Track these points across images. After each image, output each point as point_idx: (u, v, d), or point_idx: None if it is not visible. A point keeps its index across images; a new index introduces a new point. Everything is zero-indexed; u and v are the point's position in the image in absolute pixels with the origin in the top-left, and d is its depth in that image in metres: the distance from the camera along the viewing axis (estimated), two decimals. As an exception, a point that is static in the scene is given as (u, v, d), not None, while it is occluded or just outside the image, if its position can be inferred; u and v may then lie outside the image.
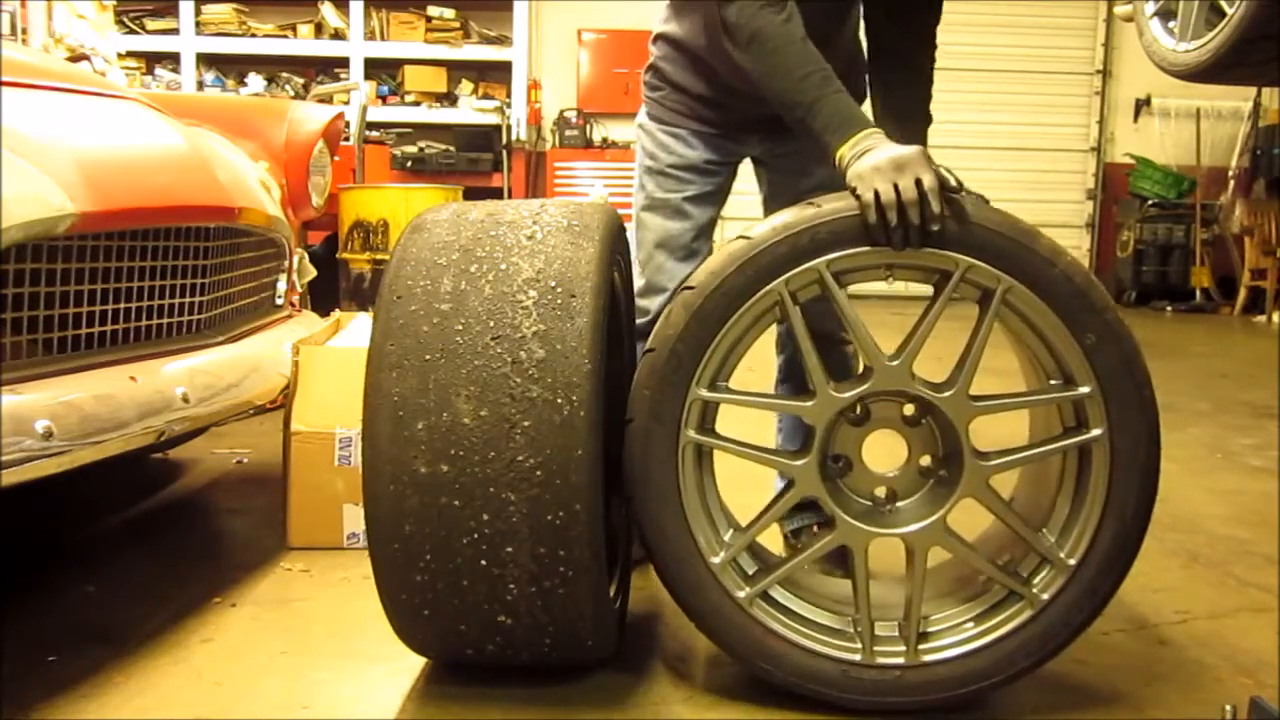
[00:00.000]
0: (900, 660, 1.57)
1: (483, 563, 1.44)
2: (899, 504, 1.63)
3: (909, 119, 1.91)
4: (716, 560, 1.57)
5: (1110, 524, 1.53)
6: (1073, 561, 1.54)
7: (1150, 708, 1.64)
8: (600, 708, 1.58)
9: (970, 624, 1.60)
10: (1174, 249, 8.51)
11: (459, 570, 1.45)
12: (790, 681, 1.58)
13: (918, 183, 1.49)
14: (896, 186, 1.49)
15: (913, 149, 1.54)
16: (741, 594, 1.57)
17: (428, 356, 1.45)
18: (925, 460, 1.63)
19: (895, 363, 1.55)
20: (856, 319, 1.55)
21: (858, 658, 1.57)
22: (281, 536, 2.28)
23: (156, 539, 2.44)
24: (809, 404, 1.58)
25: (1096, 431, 1.53)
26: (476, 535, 1.43)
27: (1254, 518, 2.70)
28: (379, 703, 1.60)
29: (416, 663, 1.69)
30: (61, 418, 1.60)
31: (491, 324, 1.45)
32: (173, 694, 1.61)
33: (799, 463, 1.58)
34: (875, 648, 1.57)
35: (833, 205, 1.54)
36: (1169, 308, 8.31)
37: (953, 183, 1.52)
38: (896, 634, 1.59)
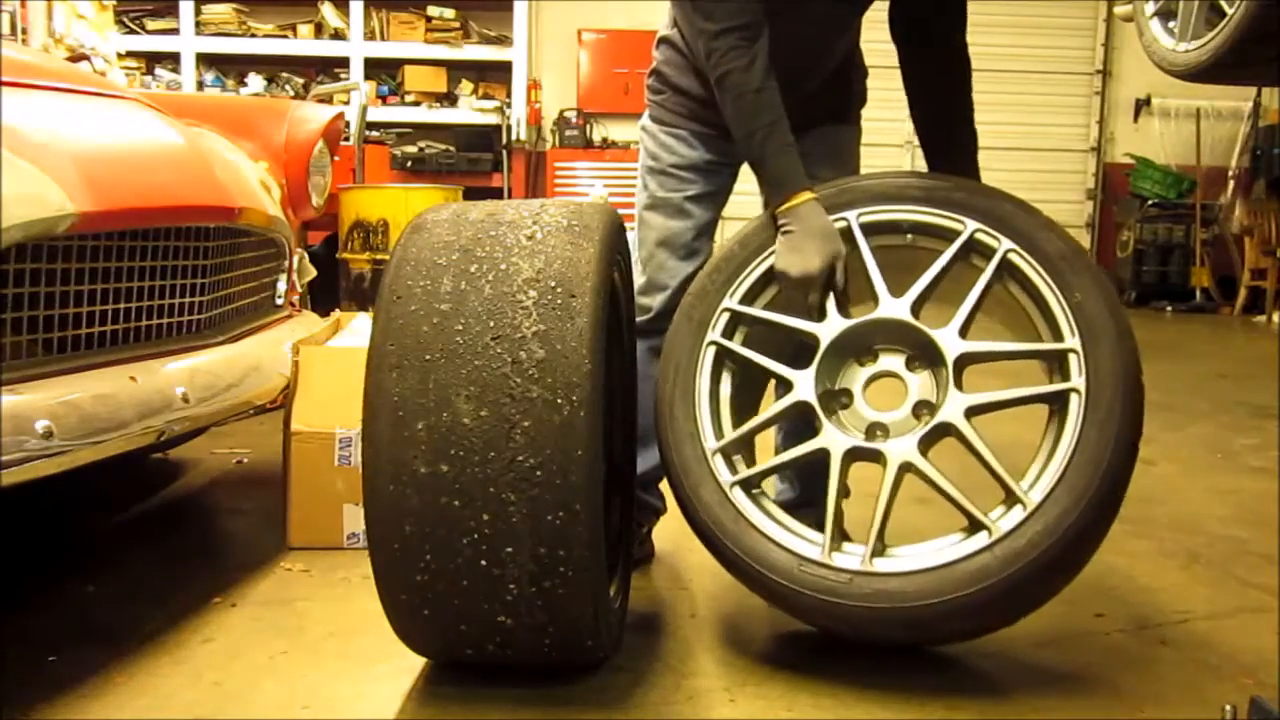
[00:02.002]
0: (854, 565, 1.62)
1: (483, 563, 1.44)
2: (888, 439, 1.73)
3: (952, 158, 1.96)
4: (710, 446, 1.74)
5: (1081, 470, 1.57)
6: (1036, 497, 1.57)
7: (1150, 707, 1.64)
8: (600, 708, 1.58)
9: (930, 546, 1.64)
10: (1174, 249, 8.51)
11: (459, 570, 1.45)
12: (749, 567, 1.67)
13: (810, 304, 1.77)
14: (810, 297, 1.78)
15: (818, 261, 1.75)
16: (726, 479, 1.72)
17: (428, 356, 1.45)
18: (917, 400, 1.74)
19: (899, 299, 1.73)
20: (873, 262, 1.78)
21: (814, 554, 1.64)
22: (281, 536, 2.28)
23: (156, 539, 2.44)
24: (820, 326, 1.77)
25: (1076, 381, 1.60)
26: (476, 535, 1.43)
27: (1254, 518, 2.70)
28: (379, 703, 1.60)
29: (416, 663, 1.68)
30: (61, 418, 1.60)
31: (491, 324, 1.45)
32: (173, 694, 1.61)
33: (800, 372, 1.75)
34: (833, 550, 1.64)
35: (864, 180, 1.85)
36: (1169, 308, 8.31)
37: (840, 284, 1.77)
38: (860, 548, 1.65)
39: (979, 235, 1.72)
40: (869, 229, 1.80)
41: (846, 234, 1.79)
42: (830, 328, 1.76)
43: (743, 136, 1.83)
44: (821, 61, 2.02)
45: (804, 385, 1.74)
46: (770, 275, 1.82)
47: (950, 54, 1.96)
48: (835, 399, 1.78)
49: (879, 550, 1.63)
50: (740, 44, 1.79)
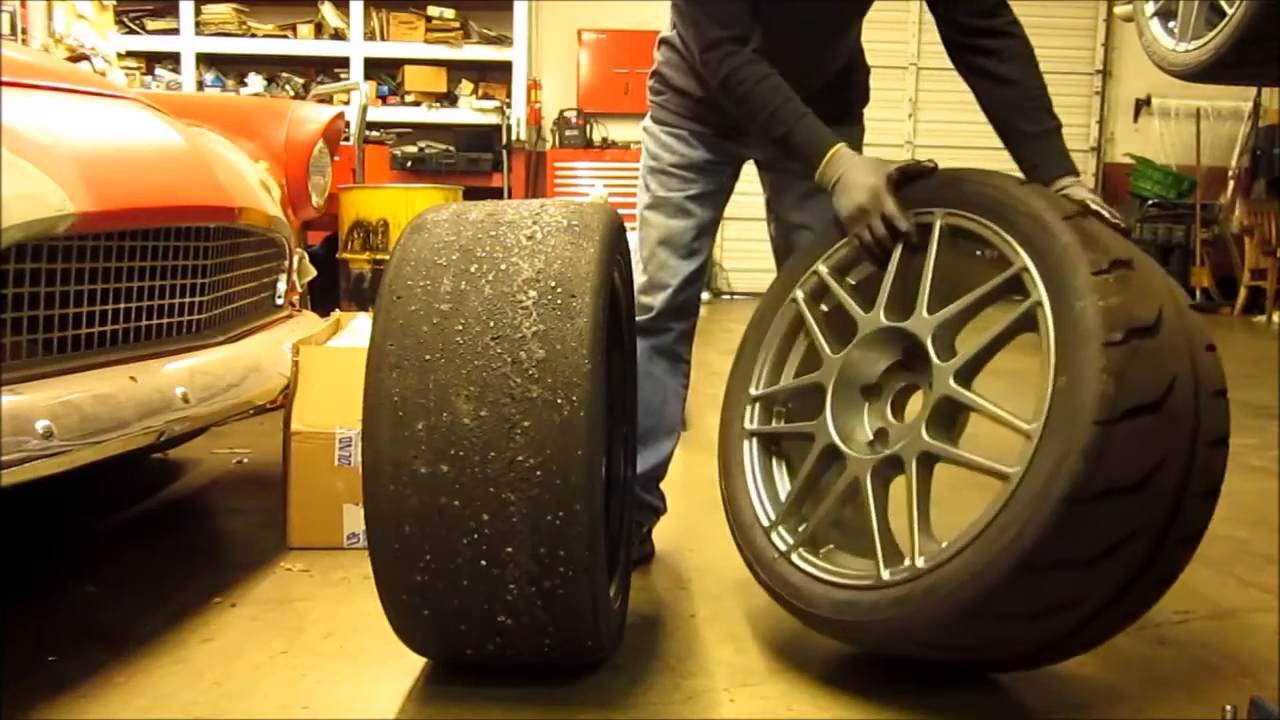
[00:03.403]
0: (908, 572, 1.54)
1: (483, 563, 1.44)
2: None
3: (1029, 145, 1.87)
4: (766, 523, 1.79)
5: (1065, 388, 1.45)
6: (1035, 426, 1.46)
7: (1151, 707, 1.64)
8: (600, 708, 1.58)
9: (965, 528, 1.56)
10: (1174, 249, 8.51)
11: (459, 570, 1.45)
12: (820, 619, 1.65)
13: (884, 218, 1.69)
14: (871, 227, 1.71)
15: (870, 182, 1.70)
16: (784, 548, 1.74)
17: (428, 356, 1.45)
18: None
19: (870, 313, 1.73)
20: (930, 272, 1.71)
21: (870, 580, 1.58)
22: (281, 536, 2.28)
23: (156, 539, 2.44)
24: (819, 372, 1.78)
25: (1037, 297, 1.51)
26: (476, 535, 1.43)
27: (1254, 518, 2.70)
28: (379, 703, 1.60)
29: (416, 663, 1.68)
30: (61, 418, 1.60)
31: (491, 324, 1.45)
32: (173, 694, 1.61)
33: (814, 422, 1.76)
34: (887, 568, 1.58)
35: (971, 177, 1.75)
36: (1169, 308, 8.30)
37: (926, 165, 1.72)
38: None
39: (1023, 275, 1.54)
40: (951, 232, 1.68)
41: (926, 231, 1.69)
42: (830, 367, 1.75)
43: (761, 125, 1.83)
44: (824, 61, 2.02)
45: (821, 432, 1.73)
46: (785, 354, 1.88)
47: (989, 34, 1.87)
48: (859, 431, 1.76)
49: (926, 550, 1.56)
50: (733, 49, 1.82)
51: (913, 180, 1.70)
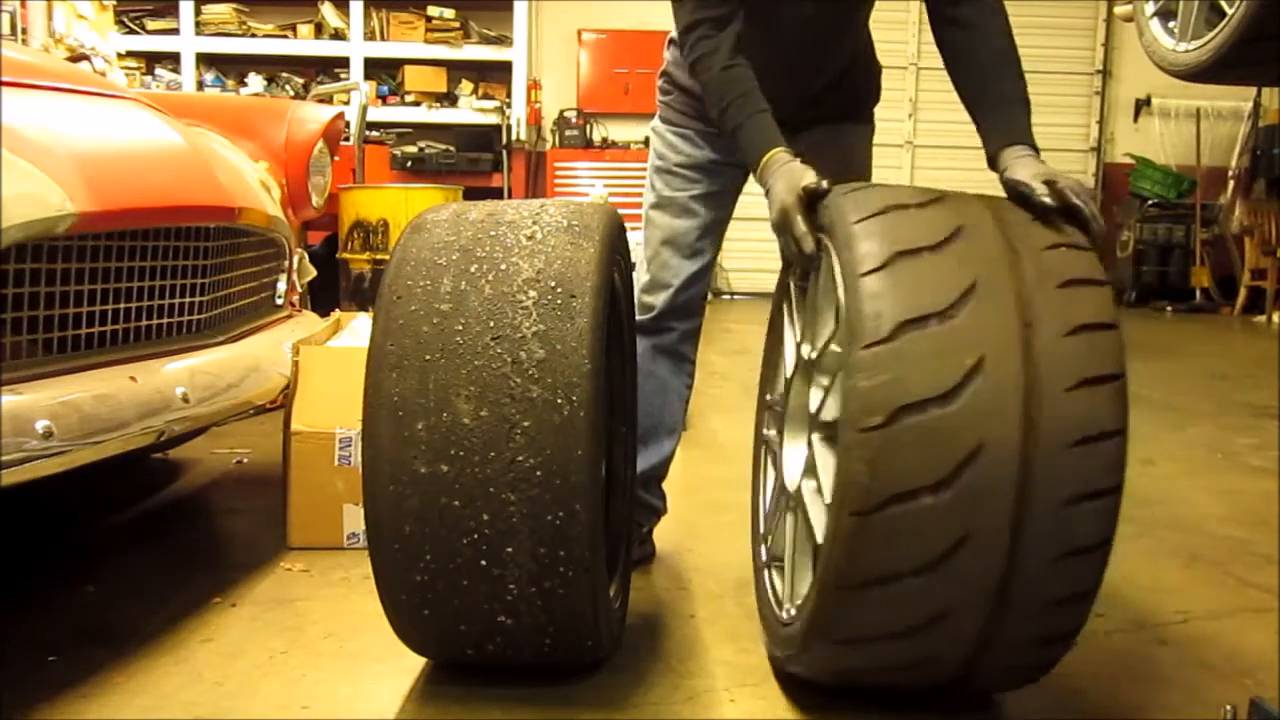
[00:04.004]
0: (791, 615, 1.59)
1: (483, 563, 1.44)
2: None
3: (988, 113, 1.76)
4: (761, 530, 1.83)
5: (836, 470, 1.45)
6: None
7: (1151, 708, 1.64)
8: (600, 708, 1.58)
9: None
10: (1174, 249, 8.51)
11: (459, 570, 1.45)
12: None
13: (796, 237, 1.58)
14: (787, 245, 1.62)
15: (786, 200, 1.59)
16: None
17: (428, 356, 1.45)
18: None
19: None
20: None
21: (786, 617, 1.61)
22: (281, 536, 2.28)
23: (156, 539, 2.44)
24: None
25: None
26: (476, 535, 1.43)
27: (1254, 518, 2.70)
28: (379, 703, 1.60)
29: (416, 663, 1.68)
30: (61, 418, 1.60)
31: (491, 324, 1.45)
32: (173, 694, 1.61)
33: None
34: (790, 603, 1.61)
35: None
36: (1169, 308, 8.31)
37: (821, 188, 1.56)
38: None
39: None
40: None
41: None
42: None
43: (717, 115, 1.81)
44: (823, 62, 2.02)
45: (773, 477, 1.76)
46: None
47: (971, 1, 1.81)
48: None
49: None
50: (708, 33, 1.81)
51: (817, 199, 1.57)
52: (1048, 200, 1.47)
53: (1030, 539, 1.30)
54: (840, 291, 1.40)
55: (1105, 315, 1.36)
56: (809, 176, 1.59)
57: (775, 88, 1.79)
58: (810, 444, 1.56)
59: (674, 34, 2.11)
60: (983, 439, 1.28)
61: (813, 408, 1.56)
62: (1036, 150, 1.65)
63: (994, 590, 1.32)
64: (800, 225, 1.57)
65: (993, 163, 1.66)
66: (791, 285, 1.79)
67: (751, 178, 2.17)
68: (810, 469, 1.56)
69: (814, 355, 1.58)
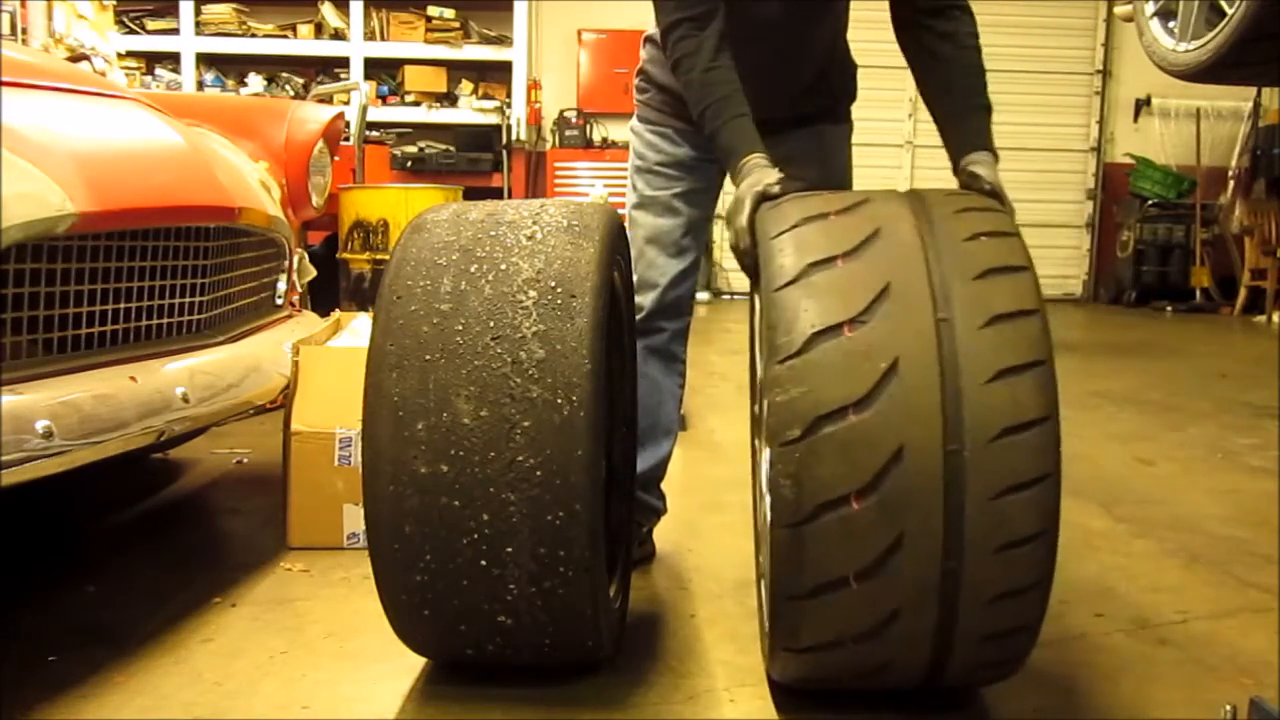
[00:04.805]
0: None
1: (483, 563, 1.44)
2: None
3: (953, 122, 1.86)
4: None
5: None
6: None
7: (1151, 708, 1.64)
8: (600, 708, 1.58)
9: None
10: (1174, 249, 8.51)
11: (459, 570, 1.45)
12: None
13: (736, 227, 1.63)
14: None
15: (741, 194, 1.63)
16: None
17: (428, 356, 1.45)
18: None
19: None
20: None
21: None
22: (281, 536, 2.28)
23: (156, 539, 2.44)
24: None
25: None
26: (476, 535, 1.43)
27: (1254, 518, 2.70)
28: (379, 703, 1.60)
29: (416, 663, 1.68)
30: (61, 418, 1.60)
31: (491, 324, 1.45)
32: (173, 694, 1.61)
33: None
34: None
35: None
36: (1169, 308, 8.30)
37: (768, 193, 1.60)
38: None
39: None
40: None
41: None
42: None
43: (698, 116, 1.81)
44: (800, 61, 2.01)
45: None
46: None
47: (938, 14, 1.86)
48: None
49: None
50: (690, 32, 1.80)
51: (768, 199, 1.59)
52: (990, 187, 1.60)
53: (965, 535, 1.30)
54: (763, 307, 1.42)
55: (1025, 302, 1.35)
56: (771, 178, 1.62)
57: (753, 89, 1.79)
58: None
59: (650, 32, 2.11)
60: (903, 441, 1.28)
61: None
62: (995, 155, 1.77)
63: (937, 588, 1.32)
64: (743, 220, 1.60)
65: (956, 164, 1.76)
66: (754, 299, 1.80)
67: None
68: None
69: (761, 372, 1.60)
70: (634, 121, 2.17)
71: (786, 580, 1.35)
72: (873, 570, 1.30)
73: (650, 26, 2.11)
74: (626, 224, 2.12)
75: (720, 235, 7.49)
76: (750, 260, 1.61)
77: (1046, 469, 1.32)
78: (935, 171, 8.86)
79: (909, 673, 1.45)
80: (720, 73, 1.77)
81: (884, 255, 1.37)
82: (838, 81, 2.12)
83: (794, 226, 1.42)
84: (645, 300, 2.08)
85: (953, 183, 1.79)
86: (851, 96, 2.18)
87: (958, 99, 1.83)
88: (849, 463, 1.28)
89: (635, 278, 2.09)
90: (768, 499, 1.39)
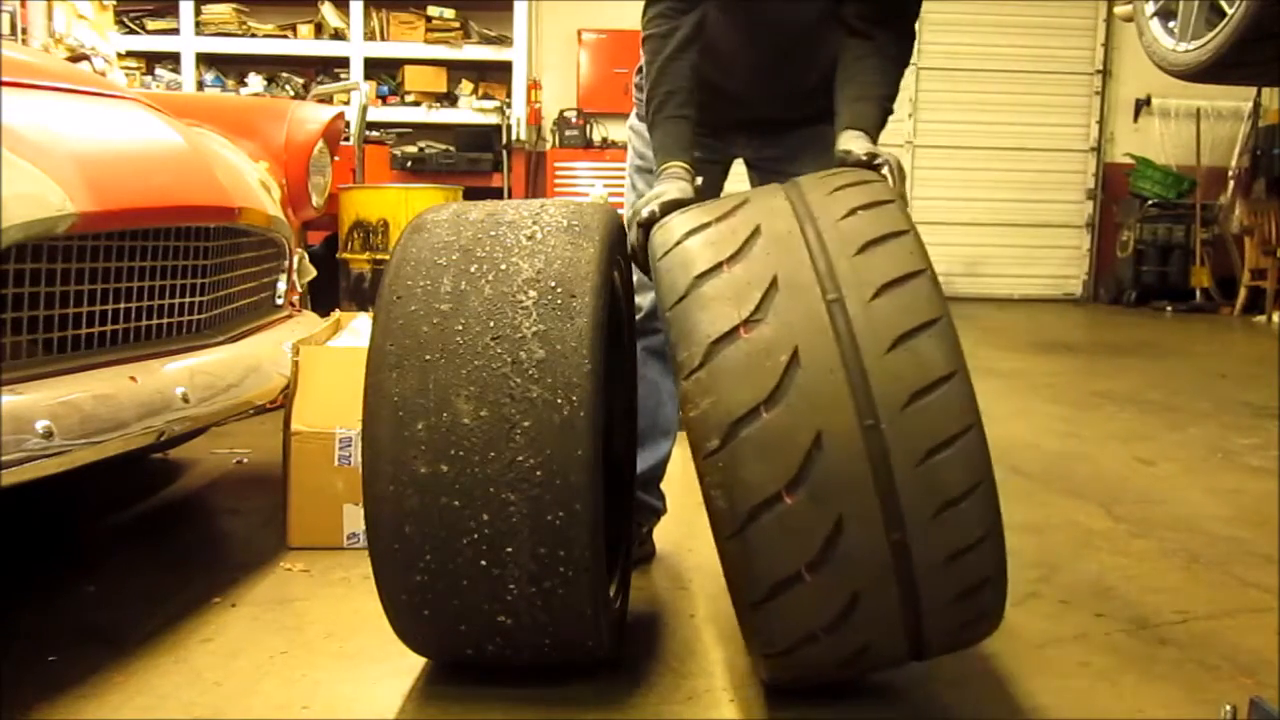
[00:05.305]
0: None
1: (483, 563, 1.44)
2: None
3: (849, 104, 1.84)
4: None
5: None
6: None
7: (1150, 708, 1.64)
8: (600, 708, 1.58)
9: None
10: (1174, 249, 8.50)
11: (459, 570, 1.45)
12: None
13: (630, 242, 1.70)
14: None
15: (635, 208, 1.68)
16: None
17: (428, 356, 1.45)
18: None
19: None
20: None
21: None
22: (281, 536, 2.28)
23: (156, 539, 2.44)
24: None
25: None
26: (476, 535, 1.43)
27: (1254, 518, 2.70)
28: (379, 703, 1.60)
29: (416, 663, 1.68)
30: (61, 418, 1.60)
31: (491, 324, 1.45)
32: (173, 694, 1.61)
33: None
34: None
35: None
36: (1169, 308, 8.30)
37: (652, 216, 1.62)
38: None
39: None
40: None
41: None
42: None
43: (645, 101, 1.83)
44: (809, 61, 2.00)
45: None
46: None
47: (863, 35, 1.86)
48: None
49: None
50: (668, 13, 1.81)
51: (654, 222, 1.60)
52: (862, 158, 1.62)
53: (902, 504, 1.31)
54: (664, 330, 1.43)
55: (909, 265, 1.36)
56: (677, 193, 1.66)
57: (760, 88, 1.79)
58: None
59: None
60: (819, 427, 1.29)
61: None
62: (871, 135, 1.78)
63: (890, 563, 1.33)
64: (632, 236, 1.67)
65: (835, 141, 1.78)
66: None
67: (734, 174, 2.18)
68: None
69: None
70: (633, 120, 2.16)
71: (744, 588, 1.36)
72: (821, 559, 1.31)
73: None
74: (626, 223, 2.12)
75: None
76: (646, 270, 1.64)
77: (967, 422, 1.32)
78: (935, 172, 8.90)
79: (890, 651, 1.45)
80: (680, 65, 1.78)
81: (766, 251, 1.39)
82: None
83: (677, 243, 1.44)
84: (645, 300, 2.07)
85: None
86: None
87: (859, 90, 1.83)
88: (771, 460, 1.29)
89: (635, 278, 2.09)
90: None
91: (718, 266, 1.38)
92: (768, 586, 1.33)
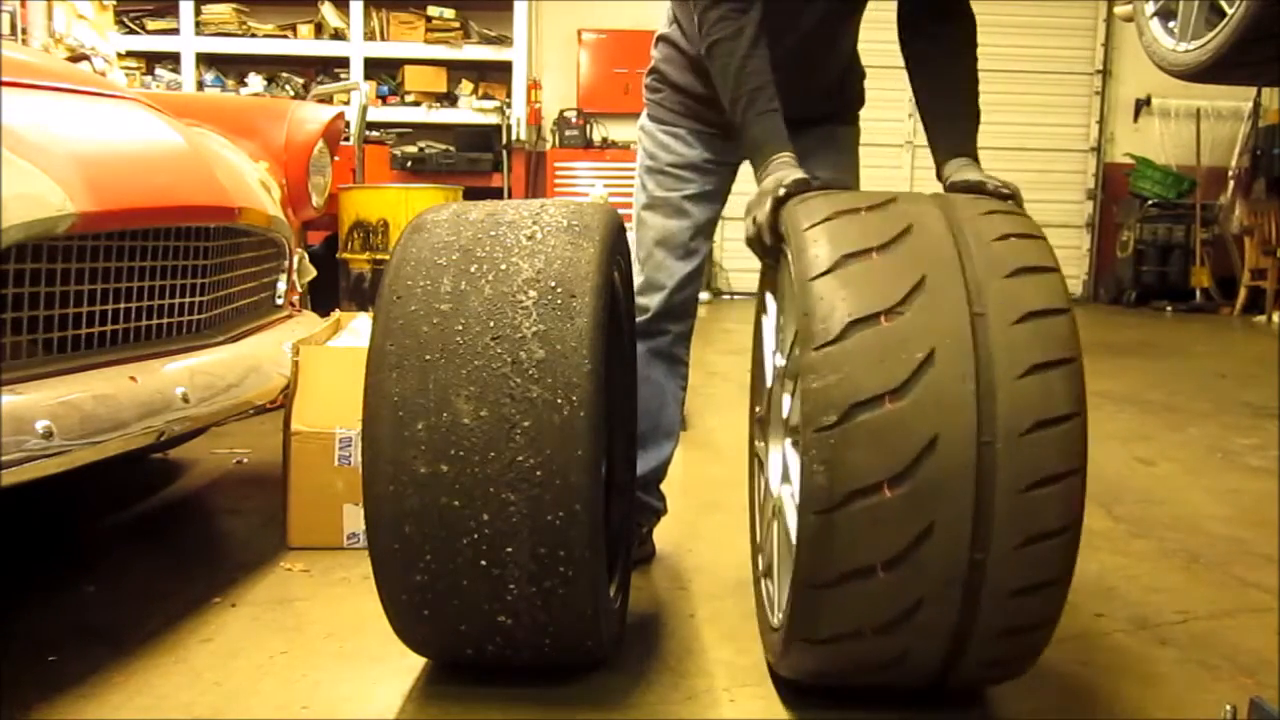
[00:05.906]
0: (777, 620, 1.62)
1: (483, 563, 1.44)
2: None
3: (943, 126, 1.86)
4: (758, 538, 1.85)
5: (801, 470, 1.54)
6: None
7: (1151, 708, 1.64)
8: (600, 708, 1.58)
9: None
10: (1174, 249, 8.50)
11: (459, 570, 1.45)
12: None
13: (755, 220, 1.64)
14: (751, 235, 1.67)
15: (766, 187, 1.64)
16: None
17: (428, 356, 1.45)
18: None
19: None
20: None
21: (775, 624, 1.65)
22: (281, 536, 2.28)
23: (156, 539, 2.44)
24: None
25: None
26: (476, 535, 1.43)
27: (1254, 518, 2.70)
28: (379, 703, 1.60)
29: (416, 663, 1.69)
30: (61, 418, 1.60)
31: (491, 324, 1.45)
32: (173, 694, 1.61)
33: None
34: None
35: None
36: (1169, 308, 8.30)
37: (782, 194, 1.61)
38: None
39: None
40: None
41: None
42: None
43: (728, 103, 1.80)
44: (827, 61, 2.02)
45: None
46: None
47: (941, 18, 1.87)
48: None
49: None
50: (730, 15, 1.79)
51: (795, 194, 1.59)
52: (1003, 190, 1.61)
53: (993, 526, 1.31)
54: (795, 297, 1.43)
55: (1055, 301, 1.37)
56: (795, 176, 1.62)
57: (779, 86, 1.79)
58: (784, 450, 1.57)
59: (664, 31, 2.10)
60: (937, 430, 1.29)
61: (785, 413, 1.57)
62: (975, 157, 1.80)
63: (962, 580, 1.33)
64: (763, 215, 1.61)
65: (940, 169, 1.78)
66: (766, 298, 1.80)
67: (741, 176, 2.18)
68: (787, 475, 1.58)
69: (784, 363, 1.60)
70: (644, 120, 2.15)
71: (812, 568, 1.35)
72: (900, 559, 1.31)
73: (662, 26, 2.11)
74: (634, 224, 2.12)
75: (721, 236, 7.49)
76: (766, 252, 1.64)
77: (1075, 464, 1.33)
78: (934, 172, 8.90)
79: (920, 669, 1.45)
80: (756, 62, 1.76)
81: (917, 250, 1.39)
82: (853, 84, 2.13)
83: (827, 219, 1.44)
84: (651, 302, 2.07)
85: None
86: (861, 100, 2.18)
87: (952, 106, 1.84)
88: (883, 450, 1.29)
89: (641, 279, 2.09)
90: (796, 486, 1.39)
91: (866, 251, 1.38)
92: (839, 572, 1.32)
